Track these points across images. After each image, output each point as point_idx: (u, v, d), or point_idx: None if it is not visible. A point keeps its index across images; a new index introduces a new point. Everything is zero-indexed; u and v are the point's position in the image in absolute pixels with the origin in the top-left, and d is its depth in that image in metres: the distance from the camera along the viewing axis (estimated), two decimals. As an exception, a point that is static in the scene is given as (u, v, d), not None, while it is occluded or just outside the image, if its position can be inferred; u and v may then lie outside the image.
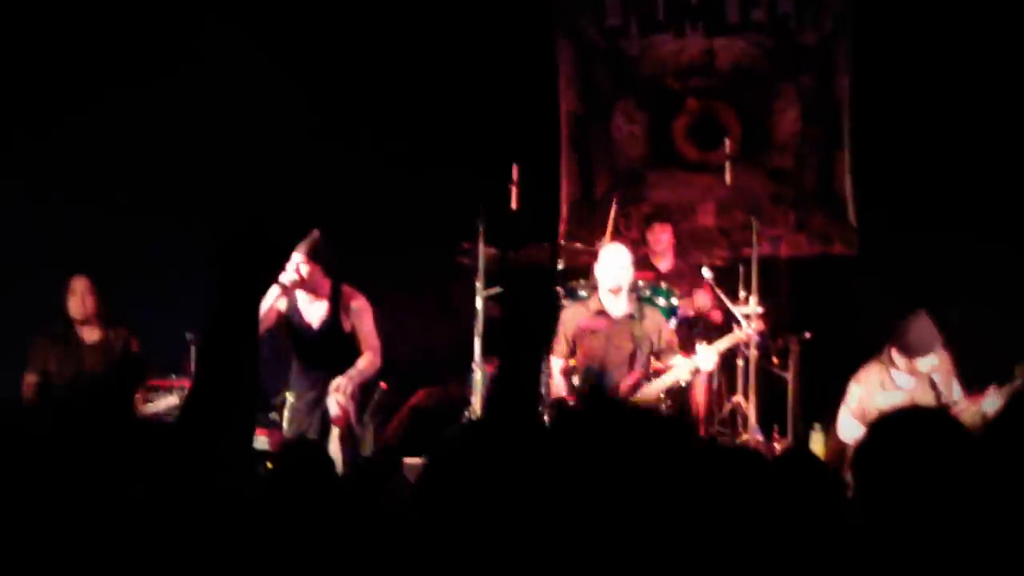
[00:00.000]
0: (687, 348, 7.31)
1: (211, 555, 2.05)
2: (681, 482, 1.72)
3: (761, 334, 7.60)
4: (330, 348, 6.72)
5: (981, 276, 8.09)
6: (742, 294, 7.83)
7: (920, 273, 8.22)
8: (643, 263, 8.29)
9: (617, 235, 9.02)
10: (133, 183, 8.75)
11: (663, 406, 7.01)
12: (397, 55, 9.17)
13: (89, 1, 8.88)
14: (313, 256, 6.57)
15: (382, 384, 7.02)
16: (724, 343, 7.35)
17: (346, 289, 6.80)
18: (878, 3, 9.03)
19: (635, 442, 1.79)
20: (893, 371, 6.74)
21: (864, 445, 2.33)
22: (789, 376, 7.75)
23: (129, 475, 3.51)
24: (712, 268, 8.11)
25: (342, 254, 6.63)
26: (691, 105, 9.58)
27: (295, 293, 6.67)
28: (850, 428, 6.76)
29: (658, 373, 7.13)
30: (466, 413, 7.21)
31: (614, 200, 8.83)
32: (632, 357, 7.11)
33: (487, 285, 7.41)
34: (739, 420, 7.77)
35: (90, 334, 7.43)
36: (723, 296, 7.86)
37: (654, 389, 7.07)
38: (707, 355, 7.10)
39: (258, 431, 6.86)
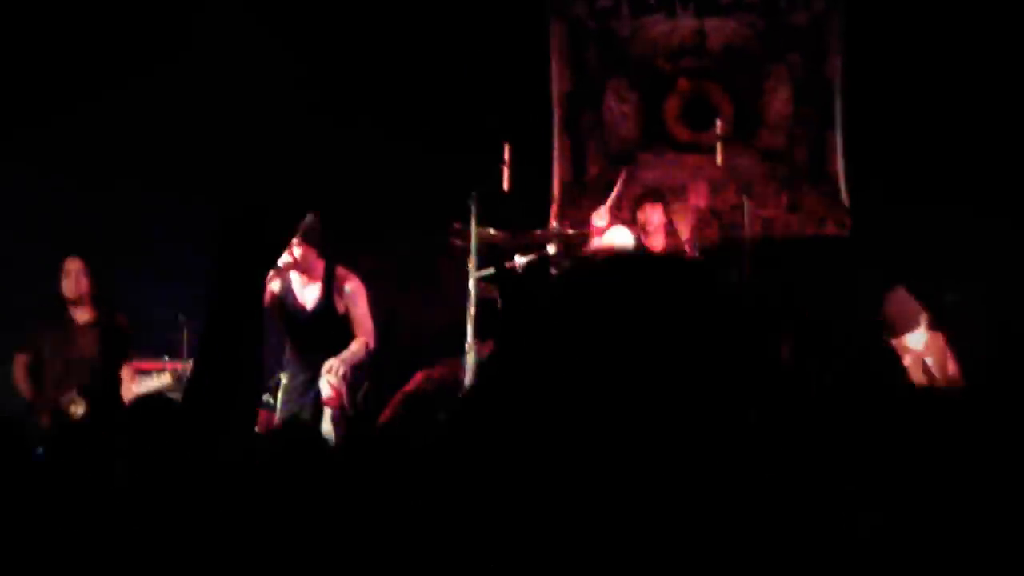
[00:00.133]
0: None
1: (204, 536, 2.04)
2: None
3: None
4: (323, 330, 6.73)
5: (975, 257, 8.10)
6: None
7: (913, 253, 8.21)
8: (635, 243, 8.26)
9: (615, 211, 9.02)
10: (129, 164, 8.73)
11: None
12: (389, 35, 9.14)
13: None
14: (306, 238, 6.57)
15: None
16: None
17: (340, 271, 6.80)
18: (869, -18, 9.03)
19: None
20: None
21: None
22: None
23: (116, 453, 3.51)
24: (704, 249, 8.10)
25: (333, 234, 6.62)
26: (682, 86, 9.57)
27: (289, 275, 6.66)
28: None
29: None
30: (459, 396, 7.20)
31: (623, 174, 8.78)
32: None
33: (479, 266, 7.40)
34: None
35: (82, 315, 7.44)
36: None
37: None
38: None
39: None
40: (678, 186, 9.53)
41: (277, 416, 6.90)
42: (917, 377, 6.66)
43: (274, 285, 6.66)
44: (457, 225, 7.50)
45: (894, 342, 6.68)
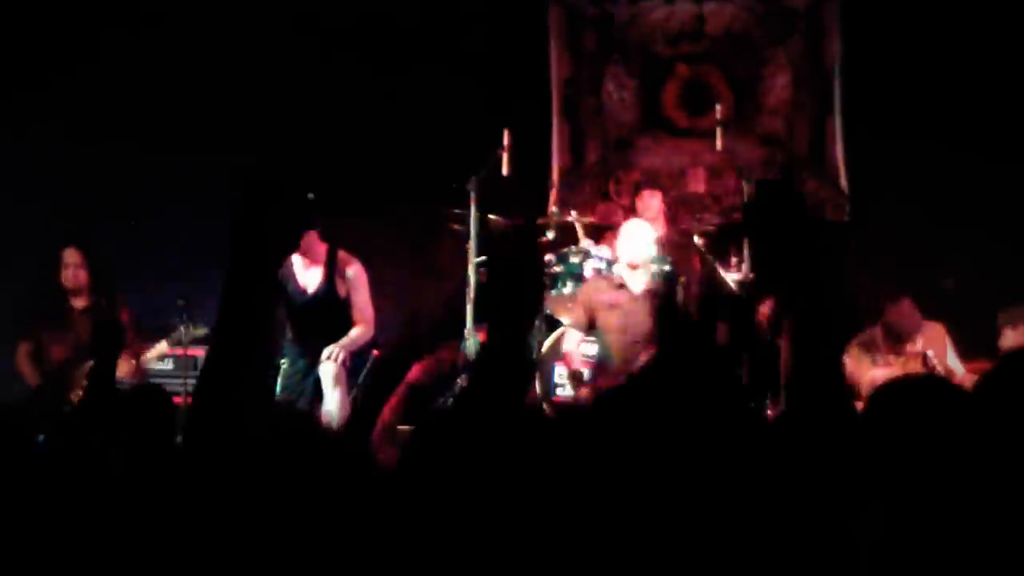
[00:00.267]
0: None
1: (198, 523, 2.04)
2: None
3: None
4: (324, 314, 6.70)
5: (973, 243, 8.10)
6: (733, 260, 7.83)
7: (912, 239, 8.22)
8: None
9: (607, 200, 9.03)
10: (130, 148, 8.73)
11: None
12: (390, 19, 9.13)
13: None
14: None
15: (375, 351, 7.01)
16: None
17: (342, 254, 6.78)
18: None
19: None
20: (879, 351, 6.75)
21: (864, 416, 2.33)
22: (782, 342, 7.73)
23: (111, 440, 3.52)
24: (703, 235, 8.11)
25: (334, 217, 6.58)
26: (681, 71, 9.56)
27: (290, 258, 6.65)
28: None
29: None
30: (459, 381, 7.21)
31: (610, 181, 8.81)
32: (651, 334, 7.06)
33: (478, 251, 7.42)
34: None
35: (80, 302, 7.46)
36: (715, 263, 7.86)
37: None
38: None
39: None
40: (677, 171, 9.53)
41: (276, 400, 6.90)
42: (917, 370, 6.66)
43: (275, 267, 6.66)
44: (457, 210, 7.51)
45: (899, 346, 6.67)
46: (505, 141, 7.61)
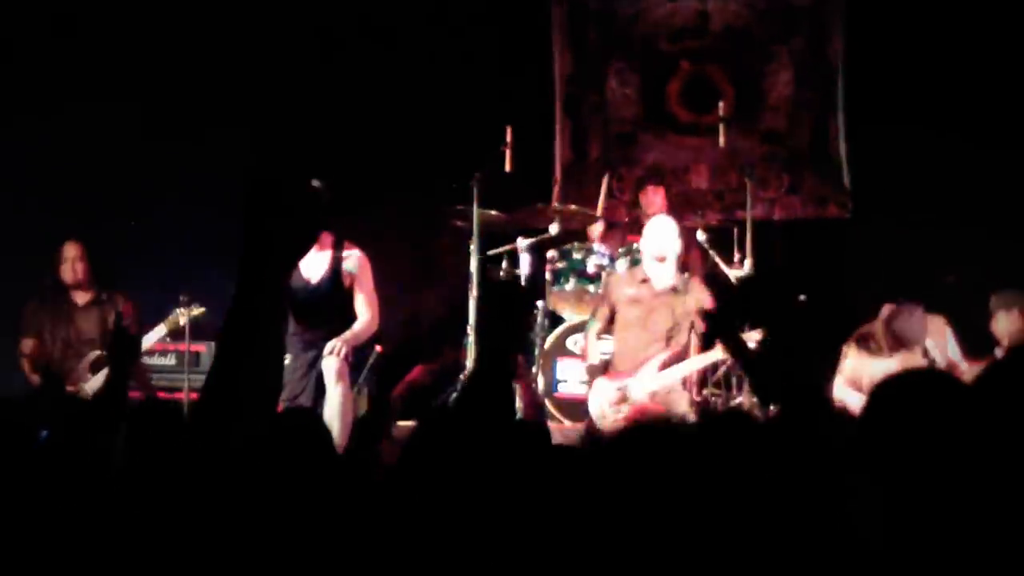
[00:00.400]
0: None
1: (203, 520, 2.05)
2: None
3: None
4: (328, 305, 6.66)
5: (975, 239, 8.10)
6: (736, 256, 7.84)
7: (913, 236, 8.22)
8: (636, 226, 8.28)
9: (611, 198, 9.02)
10: (130, 145, 8.73)
11: (691, 397, 6.95)
12: (392, 16, 9.12)
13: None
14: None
15: (377, 347, 7.00)
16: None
17: (347, 244, 6.75)
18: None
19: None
20: (878, 348, 6.75)
21: (867, 410, 2.34)
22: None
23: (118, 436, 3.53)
24: (705, 231, 8.11)
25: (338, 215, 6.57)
26: (684, 67, 9.56)
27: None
28: (844, 394, 6.77)
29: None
30: (461, 377, 7.21)
31: (605, 177, 8.82)
32: (669, 333, 7.04)
33: (481, 248, 7.42)
34: (733, 382, 7.77)
35: (82, 297, 7.45)
36: (718, 259, 7.86)
37: (693, 366, 6.98)
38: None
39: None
40: (679, 168, 9.54)
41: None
42: (918, 363, 6.66)
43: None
44: (460, 207, 7.51)
45: (892, 358, 6.67)
46: (508, 137, 7.61)
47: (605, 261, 7.91)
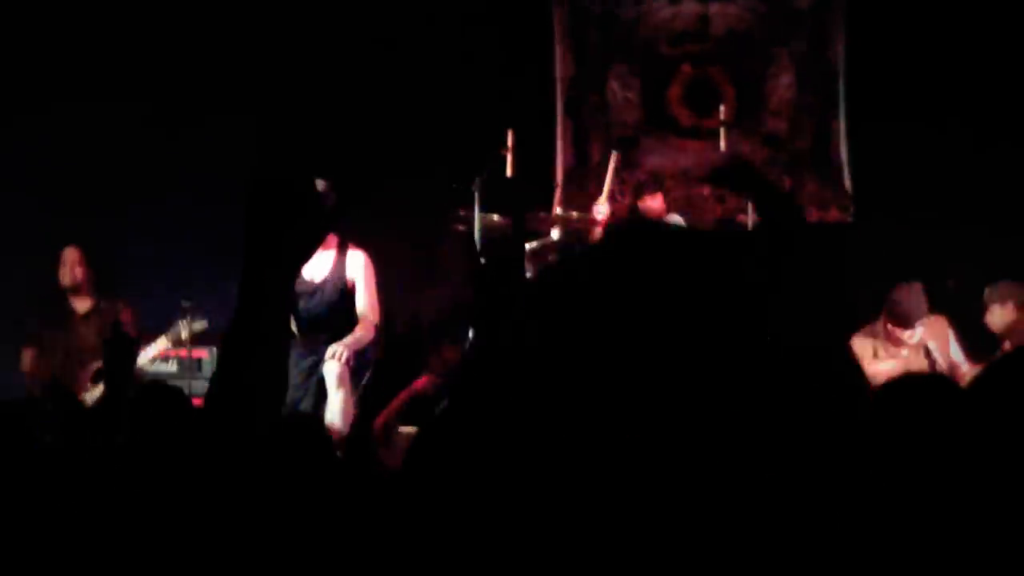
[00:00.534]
0: None
1: (204, 524, 2.04)
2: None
3: None
4: (330, 309, 6.63)
5: (977, 243, 8.09)
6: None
7: (916, 240, 8.21)
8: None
9: (613, 201, 9.00)
10: (129, 149, 8.73)
11: None
12: (393, 20, 9.12)
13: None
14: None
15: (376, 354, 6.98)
16: None
17: (351, 245, 6.73)
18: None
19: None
20: (883, 344, 6.74)
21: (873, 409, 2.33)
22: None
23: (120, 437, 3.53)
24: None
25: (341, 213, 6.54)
26: (685, 71, 9.55)
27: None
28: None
29: None
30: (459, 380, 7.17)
31: (612, 157, 8.77)
32: None
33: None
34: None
35: (82, 304, 7.45)
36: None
37: None
38: None
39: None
40: (681, 171, 9.52)
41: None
42: (919, 363, 6.66)
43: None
44: (461, 211, 7.50)
45: (897, 330, 6.68)
46: (509, 141, 7.60)
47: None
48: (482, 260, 7.29)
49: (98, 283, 7.50)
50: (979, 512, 2.12)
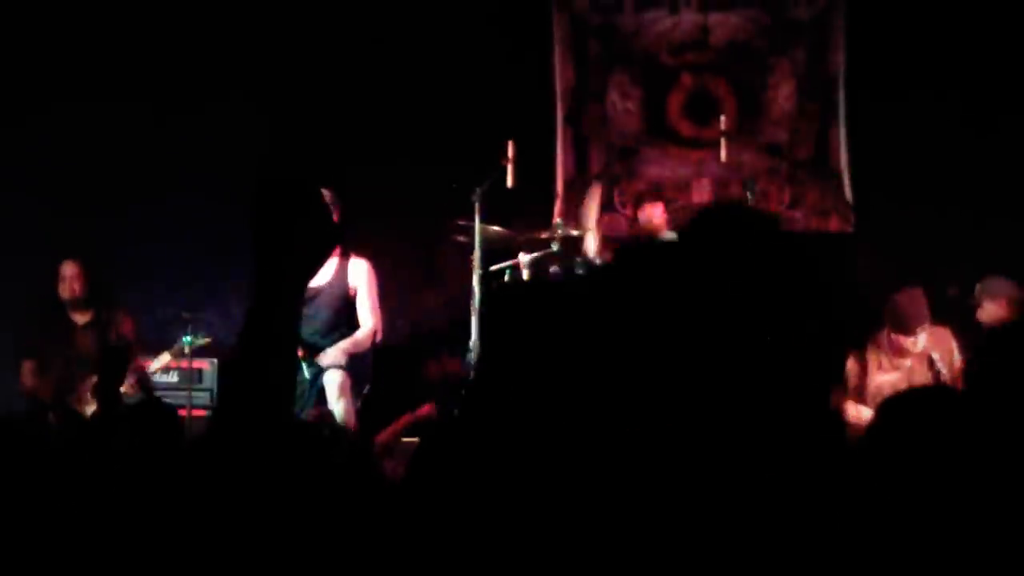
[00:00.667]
0: None
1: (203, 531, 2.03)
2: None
3: None
4: (332, 315, 6.62)
5: (978, 252, 8.09)
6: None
7: (917, 249, 8.21)
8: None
9: (612, 212, 9.01)
10: (129, 160, 8.73)
11: None
12: (394, 31, 9.12)
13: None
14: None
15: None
16: None
17: (353, 254, 6.73)
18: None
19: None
20: (886, 355, 6.73)
21: (873, 427, 2.33)
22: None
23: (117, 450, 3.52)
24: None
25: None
26: (686, 81, 9.55)
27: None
28: (856, 410, 6.77)
29: None
30: (463, 392, 7.17)
31: (595, 190, 8.79)
32: None
33: (483, 263, 7.41)
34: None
35: (82, 316, 7.45)
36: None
37: None
38: None
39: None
40: (681, 181, 9.53)
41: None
42: (922, 374, 6.64)
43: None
44: (462, 221, 7.50)
45: (900, 339, 6.66)
46: (509, 151, 7.60)
47: (607, 276, 7.88)
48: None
49: (98, 294, 7.49)
50: (983, 524, 2.11)
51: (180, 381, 7.64)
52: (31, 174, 8.66)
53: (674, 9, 9.51)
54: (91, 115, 8.65)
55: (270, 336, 1.88)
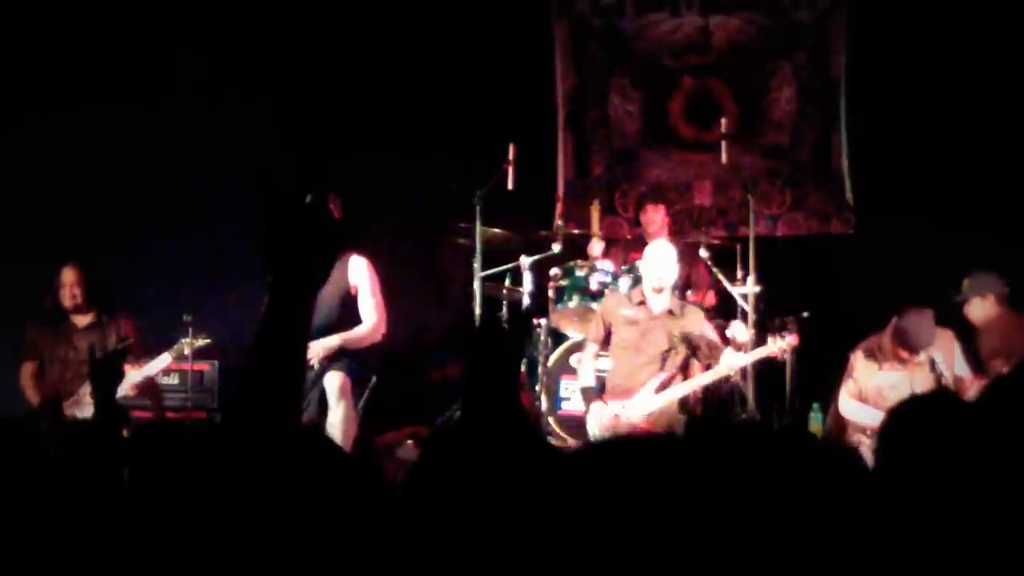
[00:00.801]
0: None
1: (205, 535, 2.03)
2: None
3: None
4: (333, 315, 6.60)
5: (979, 254, 8.08)
6: (739, 274, 7.82)
7: (917, 252, 8.21)
8: (639, 244, 8.28)
9: (613, 215, 9.00)
10: (132, 163, 8.73)
11: (679, 420, 6.88)
12: (395, 34, 9.12)
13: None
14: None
15: (374, 378, 6.98)
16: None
17: (352, 253, 6.72)
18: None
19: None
20: (887, 357, 6.73)
21: (883, 433, 2.33)
22: (789, 357, 7.72)
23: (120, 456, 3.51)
24: (709, 248, 8.10)
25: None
26: (687, 83, 9.55)
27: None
28: (850, 406, 6.77)
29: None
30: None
31: (596, 203, 8.78)
32: (664, 355, 7.00)
33: (484, 265, 7.40)
34: (737, 400, 7.74)
35: (82, 318, 7.44)
36: (720, 276, 7.85)
37: (692, 386, 6.95)
38: (737, 358, 6.90)
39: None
40: (683, 184, 9.52)
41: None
42: (924, 376, 6.64)
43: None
44: (463, 224, 7.50)
45: (904, 354, 6.66)
46: (510, 154, 7.60)
47: (608, 279, 7.88)
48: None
49: (98, 296, 7.49)
50: (988, 528, 2.11)
51: (181, 383, 7.64)
52: (32, 176, 8.65)
53: (675, 12, 9.50)
54: (92, 117, 8.64)
55: (281, 342, 1.89)
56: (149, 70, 8.86)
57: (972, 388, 6.40)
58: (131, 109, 8.73)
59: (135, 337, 7.42)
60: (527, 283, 7.80)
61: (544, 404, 7.74)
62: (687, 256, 8.22)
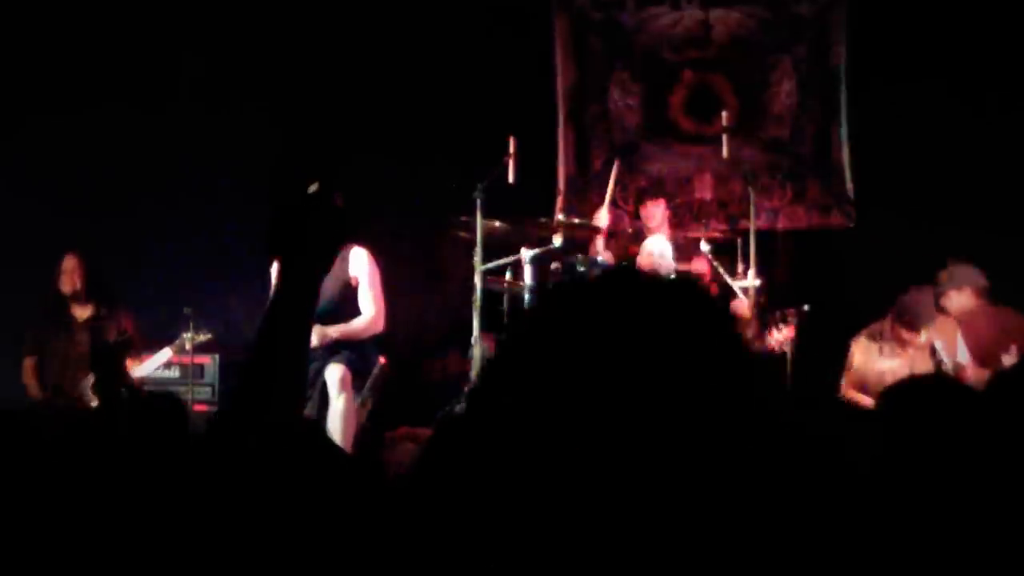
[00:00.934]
0: None
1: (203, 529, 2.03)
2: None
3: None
4: (333, 306, 6.59)
5: (979, 247, 8.08)
6: (740, 267, 7.82)
7: (918, 243, 8.20)
8: (639, 237, 8.28)
9: (615, 207, 8.99)
10: (132, 158, 8.74)
11: None
12: (395, 27, 9.12)
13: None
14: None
15: (382, 359, 6.97)
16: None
17: (353, 244, 6.72)
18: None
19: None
20: (888, 344, 6.74)
21: (875, 414, 2.34)
22: (787, 348, 7.72)
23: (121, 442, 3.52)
24: (710, 241, 8.10)
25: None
26: (687, 77, 9.54)
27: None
28: (851, 396, 6.79)
29: None
30: (466, 389, 7.18)
31: (615, 166, 8.77)
32: None
33: (484, 259, 7.40)
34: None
35: (82, 311, 7.47)
36: (721, 270, 7.85)
37: None
38: None
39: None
40: (683, 178, 9.52)
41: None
42: (925, 362, 6.65)
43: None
44: (463, 218, 7.50)
45: (906, 335, 6.68)
46: (511, 148, 7.60)
47: (609, 272, 7.87)
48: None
49: (98, 290, 7.52)
50: (988, 513, 2.11)
51: (181, 376, 7.65)
52: (33, 175, 8.66)
53: (675, 5, 9.50)
54: (92, 116, 8.65)
55: (286, 328, 1.90)
56: (149, 70, 8.87)
57: (973, 375, 6.41)
58: (131, 109, 8.74)
59: (134, 332, 7.43)
60: (527, 277, 7.80)
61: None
62: (687, 249, 8.23)
